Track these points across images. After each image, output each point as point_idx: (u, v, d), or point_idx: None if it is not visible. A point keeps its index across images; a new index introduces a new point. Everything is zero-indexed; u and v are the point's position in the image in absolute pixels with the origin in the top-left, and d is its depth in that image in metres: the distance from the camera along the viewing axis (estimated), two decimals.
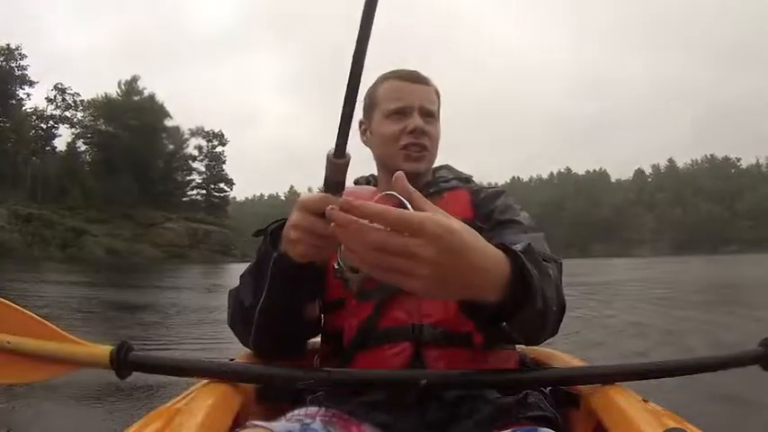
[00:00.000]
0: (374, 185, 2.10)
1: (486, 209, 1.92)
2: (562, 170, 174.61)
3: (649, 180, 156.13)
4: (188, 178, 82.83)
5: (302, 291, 1.63)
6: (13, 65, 57.13)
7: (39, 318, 1.70)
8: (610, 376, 1.61)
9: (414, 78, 1.99)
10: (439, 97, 2.05)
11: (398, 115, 1.94)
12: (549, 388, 1.74)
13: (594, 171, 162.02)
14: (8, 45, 57.09)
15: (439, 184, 2.01)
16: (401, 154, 1.93)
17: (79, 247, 52.34)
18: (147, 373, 1.62)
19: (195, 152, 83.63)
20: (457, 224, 1.09)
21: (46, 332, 1.67)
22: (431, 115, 1.97)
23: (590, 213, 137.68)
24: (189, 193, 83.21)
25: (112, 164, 62.52)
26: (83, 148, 67.91)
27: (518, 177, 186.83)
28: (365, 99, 2.07)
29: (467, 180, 2.09)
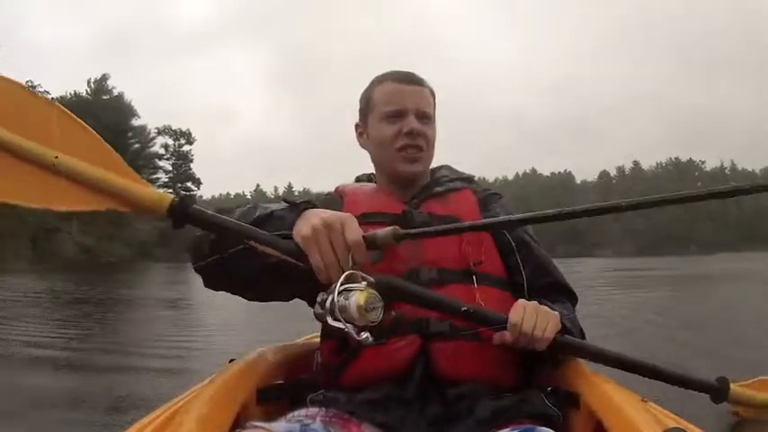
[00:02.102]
0: (375, 182, 2.12)
1: (493, 211, 1.98)
2: (527, 171, 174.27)
3: (614, 182, 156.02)
4: (154, 176, 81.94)
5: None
6: None
7: (103, 141, 1.63)
8: (611, 361, 1.75)
9: (409, 80, 2.01)
10: (434, 98, 2.07)
11: (394, 118, 1.96)
12: (549, 388, 1.77)
13: (560, 173, 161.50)
14: None
15: (445, 184, 2.03)
16: (398, 156, 1.96)
17: (51, 244, 51.68)
18: (201, 228, 1.64)
19: (162, 151, 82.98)
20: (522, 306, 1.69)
21: (108, 159, 1.61)
22: (426, 117, 1.99)
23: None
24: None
25: None
26: None
27: (483, 178, 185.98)
28: (360, 102, 2.09)
29: (468, 180, 2.12)
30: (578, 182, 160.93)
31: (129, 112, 75.84)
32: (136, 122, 78.44)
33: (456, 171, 2.18)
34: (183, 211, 1.58)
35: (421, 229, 1.70)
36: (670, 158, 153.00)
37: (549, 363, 1.83)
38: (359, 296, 1.42)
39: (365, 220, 1.82)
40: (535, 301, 1.71)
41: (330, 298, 1.44)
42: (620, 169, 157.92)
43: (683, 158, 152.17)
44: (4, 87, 1.56)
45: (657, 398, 1.70)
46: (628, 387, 1.67)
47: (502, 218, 1.81)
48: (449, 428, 1.61)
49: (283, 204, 1.75)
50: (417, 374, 1.69)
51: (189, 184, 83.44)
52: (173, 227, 1.61)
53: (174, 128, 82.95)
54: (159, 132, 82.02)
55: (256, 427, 1.38)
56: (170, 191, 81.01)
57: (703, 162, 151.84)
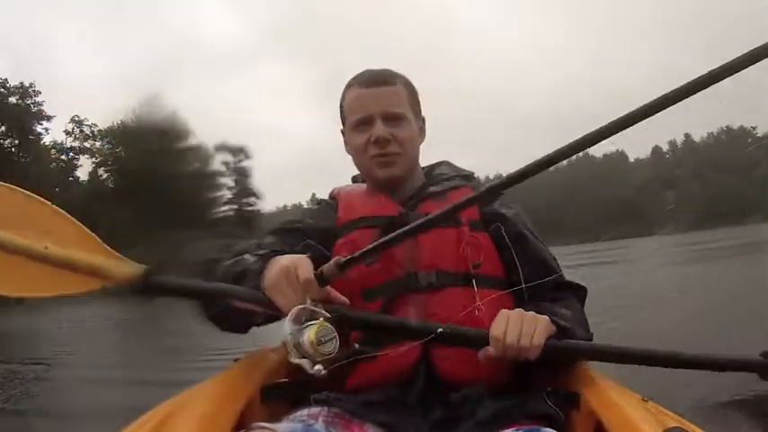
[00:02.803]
0: None
1: (491, 207, 1.94)
2: (580, 155, 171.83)
3: (667, 157, 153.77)
4: (218, 194, 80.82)
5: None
6: (28, 102, 57.14)
7: (84, 228, 1.72)
8: (617, 356, 1.66)
9: (373, 82, 1.96)
10: (411, 91, 2.01)
11: (363, 125, 1.93)
12: (549, 388, 1.74)
13: (612, 153, 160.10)
14: (22, 83, 57.08)
15: (442, 183, 1.99)
16: (373, 162, 1.94)
17: None
18: (173, 296, 1.73)
19: (222, 168, 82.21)
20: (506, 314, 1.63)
21: (89, 242, 1.70)
22: (396, 118, 1.93)
23: (609, 195, 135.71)
24: (220, 209, 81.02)
25: (135, 189, 61.40)
26: (104, 176, 67.11)
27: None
28: (339, 109, 2.05)
29: (468, 177, 2.07)
30: (632, 160, 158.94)
31: (184, 131, 75.21)
32: (192, 141, 77.94)
33: (455, 168, 2.15)
34: (152, 282, 1.69)
35: (364, 250, 1.60)
36: (721, 128, 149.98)
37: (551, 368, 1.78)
38: (310, 331, 1.45)
39: (361, 224, 1.88)
40: (520, 309, 1.66)
41: (286, 339, 1.48)
42: (672, 143, 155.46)
43: (734, 126, 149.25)
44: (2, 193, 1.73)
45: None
46: (628, 387, 1.66)
47: (481, 191, 1.71)
48: (451, 430, 1.61)
49: (262, 251, 1.80)
50: (419, 380, 1.69)
51: (251, 199, 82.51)
52: (143, 297, 1.71)
53: (229, 144, 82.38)
54: (217, 149, 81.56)
55: (260, 427, 1.40)
56: (234, 206, 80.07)
57: (755, 128, 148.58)
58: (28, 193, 1.74)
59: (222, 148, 79.21)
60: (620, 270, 19.99)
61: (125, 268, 1.69)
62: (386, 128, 1.92)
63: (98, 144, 66.09)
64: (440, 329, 1.60)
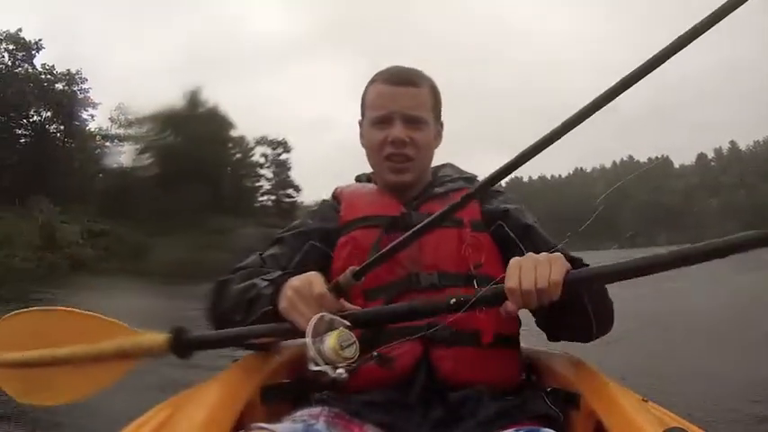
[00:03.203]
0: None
1: (492, 206, 1.93)
2: (624, 158, 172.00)
3: (713, 164, 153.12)
4: (257, 184, 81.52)
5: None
6: (75, 89, 57.72)
7: (107, 319, 1.80)
8: (646, 268, 1.40)
9: (399, 81, 1.94)
10: (435, 95, 2.00)
11: (382, 123, 1.92)
12: (549, 388, 1.76)
13: (657, 158, 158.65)
14: (68, 70, 57.69)
15: (445, 185, 2.00)
16: (386, 165, 1.94)
17: (148, 259, 51.66)
18: (204, 349, 1.74)
19: (261, 160, 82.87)
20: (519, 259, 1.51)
21: (115, 331, 1.77)
22: (416, 121, 1.92)
23: (655, 201, 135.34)
24: (260, 199, 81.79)
25: (178, 175, 61.66)
26: (147, 162, 67.60)
27: (581, 168, 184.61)
28: (361, 99, 2.05)
29: (470, 180, 2.06)
30: (677, 166, 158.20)
31: (225, 122, 75.97)
32: (234, 133, 78.68)
33: (459, 170, 2.15)
34: (183, 342, 1.73)
35: (377, 255, 1.60)
36: (767, 136, 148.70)
37: (587, 304, 1.68)
38: (331, 338, 1.46)
39: (363, 223, 1.90)
40: (530, 252, 1.55)
41: (308, 348, 1.48)
42: (718, 151, 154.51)
43: None
44: (20, 319, 1.87)
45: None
46: (629, 387, 1.63)
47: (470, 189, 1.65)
48: (452, 430, 1.59)
49: (272, 275, 1.78)
50: (419, 381, 1.68)
51: (290, 190, 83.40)
52: (179, 358, 1.74)
53: (270, 138, 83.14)
54: (257, 143, 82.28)
55: (260, 428, 1.38)
56: (273, 197, 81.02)
57: None
58: (52, 308, 1.88)
59: (263, 141, 79.93)
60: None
61: (153, 340, 1.74)
62: (404, 130, 1.91)
63: (143, 131, 66.53)
64: (453, 300, 1.55)
